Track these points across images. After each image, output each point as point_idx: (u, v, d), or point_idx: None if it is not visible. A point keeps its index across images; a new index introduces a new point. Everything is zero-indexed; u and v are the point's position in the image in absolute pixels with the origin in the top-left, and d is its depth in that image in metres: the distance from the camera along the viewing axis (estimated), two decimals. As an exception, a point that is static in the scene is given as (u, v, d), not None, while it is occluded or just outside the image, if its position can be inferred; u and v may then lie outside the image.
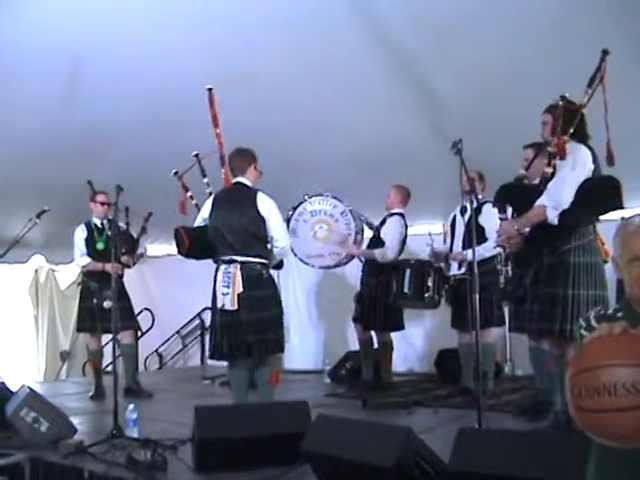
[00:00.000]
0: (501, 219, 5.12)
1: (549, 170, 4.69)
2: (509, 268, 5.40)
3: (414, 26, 6.21)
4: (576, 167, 4.58)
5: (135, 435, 4.81)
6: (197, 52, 6.52)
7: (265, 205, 5.46)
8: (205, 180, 6.61)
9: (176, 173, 6.77)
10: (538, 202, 4.65)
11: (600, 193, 4.62)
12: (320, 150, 7.75)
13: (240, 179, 5.65)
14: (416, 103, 7.19)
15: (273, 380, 5.58)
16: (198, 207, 6.18)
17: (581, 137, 4.72)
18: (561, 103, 4.66)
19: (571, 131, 4.64)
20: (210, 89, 6.16)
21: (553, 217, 4.56)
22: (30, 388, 5.12)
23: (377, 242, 7.24)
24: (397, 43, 6.51)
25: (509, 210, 5.20)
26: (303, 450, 3.60)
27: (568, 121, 4.64)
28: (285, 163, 7.24)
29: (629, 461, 2.13)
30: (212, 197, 5.84)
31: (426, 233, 7.03)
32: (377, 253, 7.13)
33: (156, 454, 4.17)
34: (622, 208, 4.50)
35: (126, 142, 7.84)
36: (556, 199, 4.56)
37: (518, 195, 5.02)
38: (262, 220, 5.43)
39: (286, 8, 6.15)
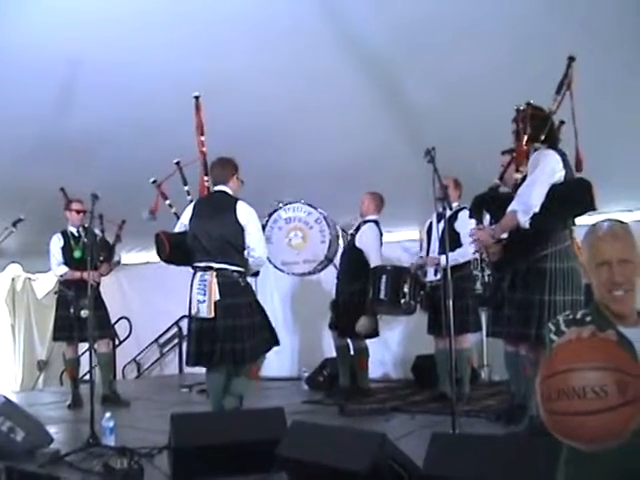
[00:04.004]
0: (478, 229, 5.15)
1: (518, 176, 4.75)
2: (485, 274, 5.44)
3: (390, 37, 6.27)
4: (544, 171, 4.60)
5: (112, 443, 4.79)
6: (180, 60, 6.52)
7: (245, 214, 5.46)
8: (186, 188, 6.57)
9: (155, 182, 6.72)
10: (509, 208, 4.68)
11: (572, 196, 4.65)
12: (297, 158, 7.76)
13: (221, 187, 5.66)
14: (392, 112, 7.24)
15: (252, 374, 5.61)
16: (177, 215, 6.14)
17: (551, 143, 4.77)
18: (522, 108, 4.73)
19: (542, 137, 4.70)
20: (197, 97, 6.10)
21: (524, 221, 4.59)
22: (6, 397, 5.09)
23: (352, 249, 7.27)
24: (374, 54, 6.57)
25: (487, 219, 5.24)
26: (278, 456, 3.62)
27: (539, 127, 4.69)
28: (263, 171, 7.23)
29: (598, 463, 2.16)
30: (192, 204, 5.85)
31: (402, 240, 7.05)
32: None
33: (132, 462, 4.16)
34: (594, 210, 4.54)
35: (106, 150, 7.83)
36: (525, 203, 4.58)
37: (493, 204, 5.06)
38: (241, 229, 5.43)
39: (269, 21, 6.18)
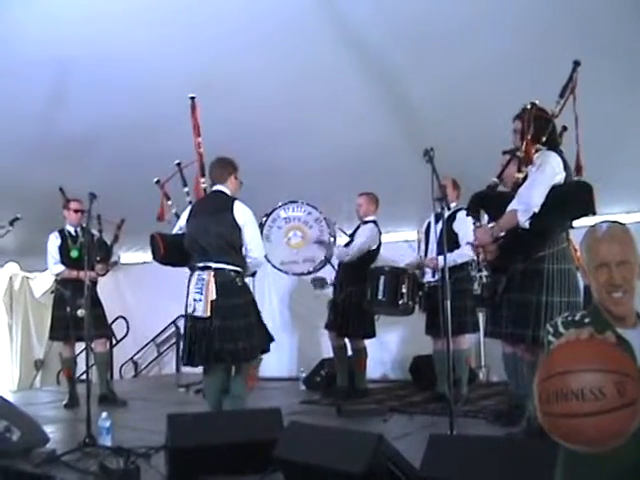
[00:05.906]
0: (476, 227, 5.14)
1: (520, 176, 4.74)
2: (483, 274, 5.41)
3: (390, 36, 6.27)
4: (545, 172, 4.60)
5: (108, 443, 4.79)
6: (177, 57, 6.52)
7: (242, 214, 5.43)
8: (186, 189, 6.55)
9: (158, 182, 6.70)
10: (509, 207, 4.68)
11: (572, 198, 4.65)
12: (295, 158, 7.76)
13: (219, 187, 5.64)
14: (391, 112, 7.24)
15: (250, 381, 5.59)
16: (178, 216, 6.12)
17: (552, 145, 4.76)
18: (528, 107, 4.72)
19: (544, 139, 4.69)
20: (193, 98, 6.06)
21: (524, 221, 4.58)
22: (1, 397, 5.08)
23: (350, 249, 7.26)
24: (373, 53, 6.57)
25: (485, 218, 5.22)
26: (275, 457, 3.61)
27: (541, 129, 4.68)
28: (260, 170, 7.22)
29: (596, 466, 2.14)
30: (191, 205, 5.83)
31: (401, 240, 7.02)
32: (336, 251, 7.25)
33: (129, 462, 4.16)
34: (594, 213, 4.53)
35: (104, 149, 7.82)
36: (526, 202, 4.58)
37: (491, 203, 5.04)
38: (238, 228, 5.41)
39: (264, 19, 6.18)
